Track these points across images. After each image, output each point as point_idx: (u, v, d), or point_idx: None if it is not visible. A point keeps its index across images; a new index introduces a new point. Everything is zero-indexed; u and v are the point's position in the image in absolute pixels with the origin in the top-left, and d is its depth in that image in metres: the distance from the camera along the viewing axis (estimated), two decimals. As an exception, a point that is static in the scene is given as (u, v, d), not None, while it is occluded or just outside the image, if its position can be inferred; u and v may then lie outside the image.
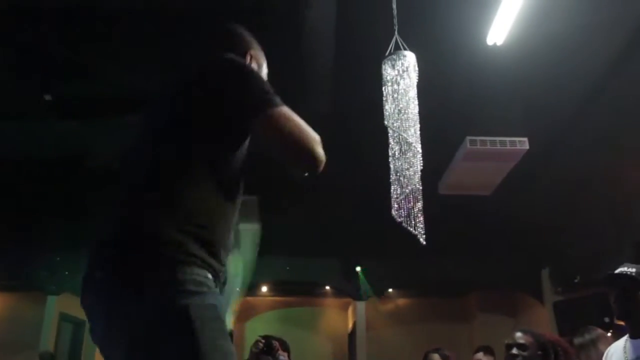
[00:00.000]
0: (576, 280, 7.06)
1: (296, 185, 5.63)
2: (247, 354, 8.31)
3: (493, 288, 8.42)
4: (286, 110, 1.41)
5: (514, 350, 2.89)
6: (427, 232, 4.92)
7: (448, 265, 7.68)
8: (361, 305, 8.19)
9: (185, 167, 1.38)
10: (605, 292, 6.40)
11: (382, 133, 3.55)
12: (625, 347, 2.60)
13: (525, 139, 5.12)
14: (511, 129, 5.12)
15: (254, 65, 1.67)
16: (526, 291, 8.13)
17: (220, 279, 1.38)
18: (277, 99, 1.41)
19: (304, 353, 7.51)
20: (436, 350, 4.29)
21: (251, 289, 8.54)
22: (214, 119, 1.41)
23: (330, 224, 6.93)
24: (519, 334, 2.96)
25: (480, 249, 7.43)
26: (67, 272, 7.92)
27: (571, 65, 4.25)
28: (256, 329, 8.44)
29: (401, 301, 9.10)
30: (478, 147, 5.16)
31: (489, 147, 5.16)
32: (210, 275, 1.32)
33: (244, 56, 1.66)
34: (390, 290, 8.62)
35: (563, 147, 5.40)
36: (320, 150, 1.40)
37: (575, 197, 6.15)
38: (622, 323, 3.23)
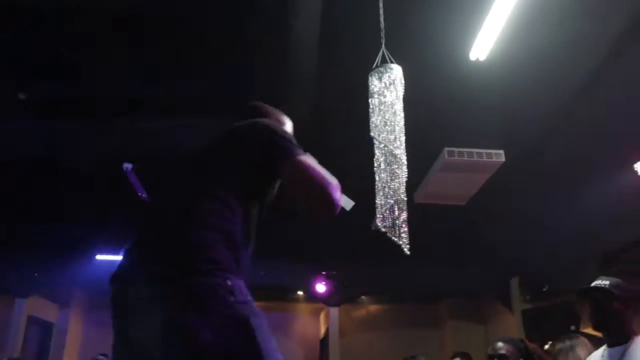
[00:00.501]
0: (544, 289, 7.24)
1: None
2: None
3: (464, 296, 8.56)
4: (310, 158, 1.68)
5: None
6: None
7: (420, 273, 7.77)
8: (334, 311, 8.23)
9: (231, 203, 1.63)
10: (571, 301, 6.61)
11: (364, 143, 3.61)
12: (603, 355, 2.71)
13: (502, 152, 5.25)
14: (488, 141, 5.25)
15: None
16: (496, 299, 8.29)
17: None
18: (302, 150, 1.69)
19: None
20: (413, 357, 4.36)
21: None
22: (253, 168, 1.70)
23: (305, 230, 6.96)
24: (500, 344, 3.06)
25: (452, 257, 7.55)
26: (36, 274, 7.77)
27: (550, 81, 4.38)
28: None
29: (373, 307, 9.18)
30: (455, 158, 5.27)
31: (466, 158, 5.27)
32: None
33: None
34: (362, 297, 8.69)
35: (537, 161, 5.54)
36: (338, 196, 1.64)
37: (546, 208, 6.31)
38: (593, 332, 3.34)
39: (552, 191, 5.85)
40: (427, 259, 7.54)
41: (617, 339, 2.64)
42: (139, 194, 5.82)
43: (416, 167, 5.60)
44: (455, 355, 5.50)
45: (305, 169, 1.64)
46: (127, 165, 5.59)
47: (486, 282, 8.01)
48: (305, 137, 4.72)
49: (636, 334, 2.62)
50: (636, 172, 5.18)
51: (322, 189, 1.62)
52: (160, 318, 1.42)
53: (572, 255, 6.42)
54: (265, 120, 1.83)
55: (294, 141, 1.73)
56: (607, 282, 2.69)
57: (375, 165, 3.44)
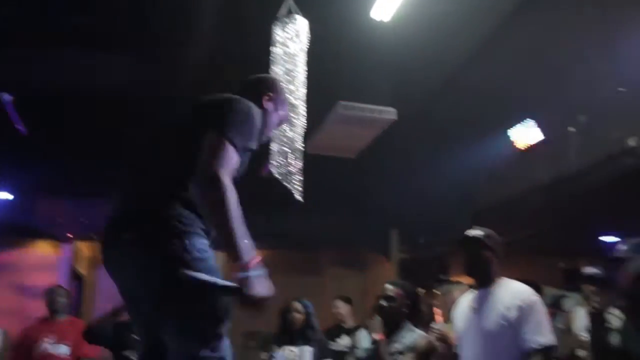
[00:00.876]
0: (421, 242, 7.75)
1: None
2: (100, 301, 8.14)
3: (345, 245, 8.92)
4: (229, 149, 1.85)
5: (383, 302, 3.24)
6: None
7: (304, 221, 8.00)
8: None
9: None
10: (444, 253, 7.16)
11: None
12: (472, 297, 3.05)
13: (394, 110, 5.51)
14: (382, 98, 5.47)
15: (270, 105, 2.24)
16: (375, 249, 8.75)
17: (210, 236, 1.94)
18: (234, 139, 1.87)
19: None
20: (297, 299, 4.56)
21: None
22: None
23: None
24: (388, 287, 3.31)
25: (337, 207, 7.82)
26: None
27: (444, 46, 4.63)
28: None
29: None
30: (349, 112, 5.45)
31: (358, 113, 5.46)
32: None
33: (261, 97, 2.21)
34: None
35: (424, 121, 5.86)
36: (225, 180, 1.80)
37: (427, 166, 6.72)
38: (461, 280, 3.70)
39: (434, 150, 6.22)
40: (311, 208, 7.78)
41: (485, 282, 2.97)
42: (17, 126, 5.53)
43: (310, 118, 5.80)
44: (338, 298, 5.83)
45: (212, 146, 1.84)
46: (6, 97, 5.26)
47: (367, 233, 8.40)
48: (204, 82, 4.73)
49: (499, 277, 2.96)
50: (509, 137, 5.64)
51: (204, 164, 1.82)
52: (135, 267, 1.86)
53: (447, 211, 6.91)
54: (232, 98, 2.03)
55: (244, 126, 1.93)
56: (481, 233, 2.99)
57: (274, 113, 3.51)
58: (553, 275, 6.76)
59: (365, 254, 9.24)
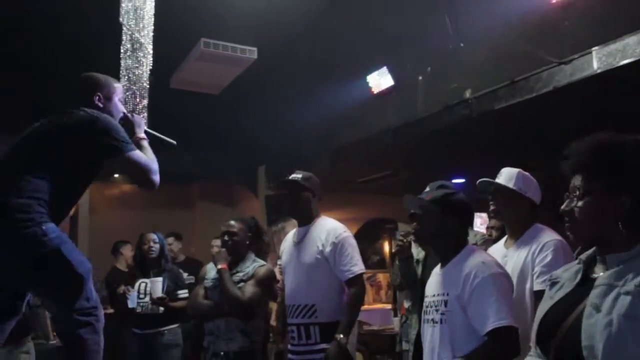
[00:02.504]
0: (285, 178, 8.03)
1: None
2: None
3: (214, 180, 9.05)
4: (136, 153, 2.42)
5: (225, 237, 3.45)
6: (158, 124, 5.17)
7: (174, 156, 8.01)
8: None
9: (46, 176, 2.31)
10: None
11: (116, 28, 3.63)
12: (295, 233, 3.35)
13: (255, 49, 5.61)
14: (245, 38, 5.55)
15: (103, 103, 2.58)
16: (244, 184, 8.96)
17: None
18: (131, 146, 2.41)
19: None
20: (153, 231, 4.69)
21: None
22: (85, 156, 2.39)
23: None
24: (231, 222, 3.52)
25: (206, 143, 7.89)
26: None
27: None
28: None
29: (126, 187, 9.23)
30: (211, 49, 5.49)
31: (221, 51, 5.53)
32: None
33: (93, 100, 2.55)
34: (116, 175, 8.67)
35: (287, 61, 6.02)
36: (156, 178, 2.47)
37: (291, 106, 6.93)
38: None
39: (297, 91, 6.42)
40: (182, 144, 7.81)
41: (305, 220, 3.27)
42: None
43: (174, 53, 5.76)
44: (168, 235, 5.95)
45: (133, 163, 2.41)
46: None
47: (236, 169, 8.58)
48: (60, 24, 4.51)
49: (317, 217, 3.26)
50: (367, 81, 5.95)
51: (145, 175, 2.44)
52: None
53: (311, 148, 7.22)
54: (102, 120, 2.42)
55: (126, 138, 2.42)
56: (300, 176, 3.25)
57: (122, 50, 3.52)
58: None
59: (234, 190, 9.44)
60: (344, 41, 5.69)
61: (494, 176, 2.75)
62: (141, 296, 4.38)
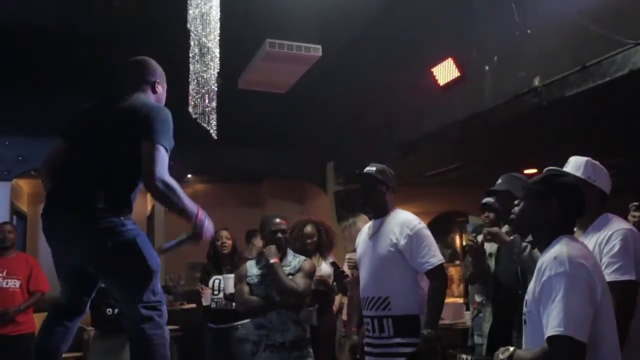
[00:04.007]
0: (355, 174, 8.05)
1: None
2: (43, 237, 8.25)
3: (284, 177, 9.19)
4: (161, 151, 2.37)
5: (280, 235, 3.54)
6: (226, 123, 5.33)
7: (244, 155, 8.21)
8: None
9: (125, 167, 2.44)
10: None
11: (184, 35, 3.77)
12: (370, 226, 3.35)
13: (319, 47, 5.67)
14: (308, 36, 5.62)
15: (159, 88, 2.68)
16: (313, 181, 9.05)
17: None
18: (165, 142, 2.40)
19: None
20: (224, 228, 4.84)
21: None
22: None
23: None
24: (277, 220, 3.70)
25: (275, 141, 8.04)
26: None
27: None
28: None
29: (199, 187, 9.53)
30: (276, 49, 5.59)
31: (286, 50, 5.62)
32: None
33: (154, 86, 2.65)
34: (189, 176, 8.97)
35: (353, 57, 6.04)
36: (160, 185, 2.33)
37: (358, 101, 6.95)
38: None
39: (361, 85, 6.43)
40: (251, 142, 7.98)
41: (379, 213, 3.27)
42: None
43: (240, 55, 5.90)
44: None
45: (150, 154, 2.35)
46: None
47: (305, 166, 8.68)
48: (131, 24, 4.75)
49: (392, 209, 3.26)
50: (433, 74, 5.88)
51: (149, 173, 2.34)
52: (80, 241, 2.37)
53: (379, 143, 7.21)
54: (154, 108, 2.46)
55: (169, 136, 2.43)
56: (374, 169, 3.26)
57: (190, 55, 3.65)
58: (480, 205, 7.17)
59: (304, 186, 9.55)
60: (407, 35, 5.65)
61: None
62: (215, 292, 4.53)
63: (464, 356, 5.71)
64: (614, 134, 5.35)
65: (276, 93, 6.64)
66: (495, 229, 3.15)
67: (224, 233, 4.71)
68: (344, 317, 4.42)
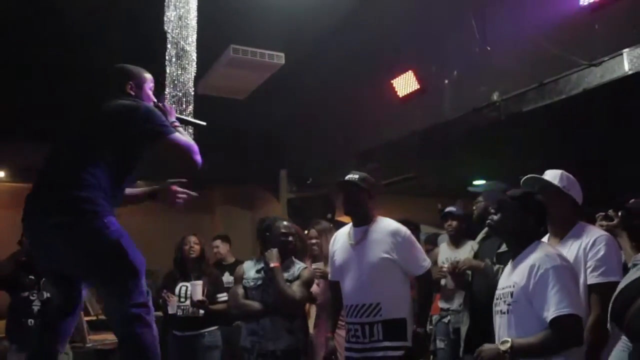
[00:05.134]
0: (308, 182, 8.11)
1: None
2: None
3: (235, 184, 9.12)
4: (177, 135, 2.52)
5: (290, 238, 3.54)
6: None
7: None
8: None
9: (107, 166, 2.44)
10: (330, 193, 7.57)
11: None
12: (349, 233, 3.37)
13: (282, 54, 5.70)
14: (271, 43, 5.64)
15: (135, 92, 2.68)
16: (265, 188, 9.03)
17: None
18: (171, 129, 2.52)
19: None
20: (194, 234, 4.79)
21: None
22: (130, 142, 2.48)
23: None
24: (286, 223, 3.70)
25: (228, 147, 7.97)
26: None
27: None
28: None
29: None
30: (240, 55, 5.59)
31: (249, 57, 5.62)
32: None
33: (125, 88, 2.66)
34: (139, 182, 8.75)
35: (313, 66, 6.09)
36: (198, 158, 2.55)
37: (316, 110, 7.01)
38: (345, 219, 4.04)
39: (321, 95, 6.49)
40: (203, 148, 7.89)
41: (363, 221, 3.32)
42: None
43: (202, 60, 5.84)
44: (216, 238, 6.05)
45: (175, 146, 2.50)
46: None
47: (258, 172, 8.65)
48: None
49: (375, 216, 3.33)
50: (393, 86, 6.02)
51: (188, 156, 2.52)
52: (62, 244, 2.35)
53: (333, 152, 7.30)
54: (142, 107, 2.54)
55: (166, 122, 2.54)
56: (357, 176, 3.31)
57: (167, 58, 3.61)
58: (432, 215, 7.37)
59: (255, 193, 9.51)
60: (369, 46, 5.76)
61: (519, 180, 2.87)
62: (182, 300, 4.47)
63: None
64: (568, 149, 5.63)
65: (233, 98, 6.61)
66: (467, 262, 3.52)
67: (192, 238, 4.66)
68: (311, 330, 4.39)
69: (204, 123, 3.01)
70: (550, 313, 2.19)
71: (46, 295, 4.15)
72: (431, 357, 4.79)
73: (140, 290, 2.39)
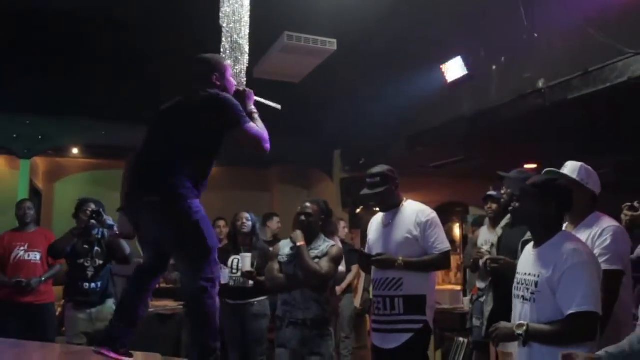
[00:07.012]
0: (361, 162, 8.33)
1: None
2: (56, 213, 8.48)
3: (292, 163, 9.45)
4: (250, 124, 2.85)
5: (302, 217, 3.82)
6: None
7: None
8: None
9: (194, 152, 2.76)
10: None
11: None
12: (382, 217, 3.67)
13: (334, 41, 5.93)
14: (324, 30, 5.87)
15: (220, 81, 2.99)
16: (320, 168, 9.33)
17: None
18: (246, 119, 2.83)
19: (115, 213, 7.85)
20: (247, 211, 5.13)
21: (62, 150, 8.59)
22: (207, 130, 2.79)
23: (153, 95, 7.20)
24: (307, 204, 3.89)
25: (284, 128, 8.27)
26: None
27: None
28: (67, 190, 8.60)
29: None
30: (294, 42, 5.86)
31: (303, 43, 5.88)
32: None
33: (211, 79, 2.96)
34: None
35: (364, 53, 6.29)
36: (268, 146, 2.92)
37: (366, 93, 7.20)
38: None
39: (373, 79, 6.68)
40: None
41: (392, 207, 3.64)
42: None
43: (258, 46, 6.14)
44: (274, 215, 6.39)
45: (249, 135, 2.83)
46: None
47: (312, 153, 8.95)
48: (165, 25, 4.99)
49: (402, 201, 3.60)
50: (442, 71, 6.15)
51: (260, 145, 2.88)
52: (152, 221, 2.75)
53: (385, 135, 7.50)
54: (222, 98, 2.83)
55: (242, 113, 2.83)
56: (381, 170, 3.63)
57: (222, 51, 3.89)
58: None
59: (310, 173, 9.83)
60: (418, 32, 5.89)
61: (562, 164, 2.99)
62: (234, 271, 4.83)
63: (461, 339, 6.07)
64: (610, 136, 5.64)
65: (289, 82, 6.89)
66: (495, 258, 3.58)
67: (245, 214, 5.01)
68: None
69: (279, 106, 3.32)
70: (572, 307, 2.26)
71: (99, 262, 4.69)
72: (469, 336, 4.99)
73: (212, 267, 2.73)
